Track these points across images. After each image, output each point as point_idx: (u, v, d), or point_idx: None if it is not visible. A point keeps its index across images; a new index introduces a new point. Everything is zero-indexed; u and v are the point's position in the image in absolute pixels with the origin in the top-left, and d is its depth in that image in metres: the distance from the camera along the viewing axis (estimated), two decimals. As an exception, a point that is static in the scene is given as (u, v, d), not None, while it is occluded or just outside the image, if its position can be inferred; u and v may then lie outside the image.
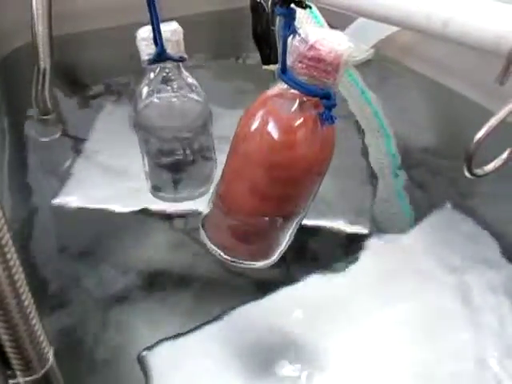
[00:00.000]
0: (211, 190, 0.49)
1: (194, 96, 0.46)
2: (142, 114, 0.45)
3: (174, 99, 0.45)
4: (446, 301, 0.43)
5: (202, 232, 0.37)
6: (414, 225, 0.51)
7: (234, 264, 0.36)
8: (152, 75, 0.44)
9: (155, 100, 0.45)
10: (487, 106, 0.63)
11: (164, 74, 0.44)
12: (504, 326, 0.41)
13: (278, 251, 0.36)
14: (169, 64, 0.44)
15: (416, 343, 0.40)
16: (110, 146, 0.62)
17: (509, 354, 0.39)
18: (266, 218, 0.33)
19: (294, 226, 0.35)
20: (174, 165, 0.48)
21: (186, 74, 0.45)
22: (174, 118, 0.46)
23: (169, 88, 0.45)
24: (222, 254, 0.36)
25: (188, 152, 0.47)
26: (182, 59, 0.44)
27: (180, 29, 0.43)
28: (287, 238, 0.36)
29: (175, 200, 0.50)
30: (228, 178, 0.35)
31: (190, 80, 0.45)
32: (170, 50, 0.42)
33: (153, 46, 0.42)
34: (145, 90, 0.45)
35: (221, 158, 0.36)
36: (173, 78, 0.44)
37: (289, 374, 0.38)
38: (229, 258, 0.36)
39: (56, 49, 0.66)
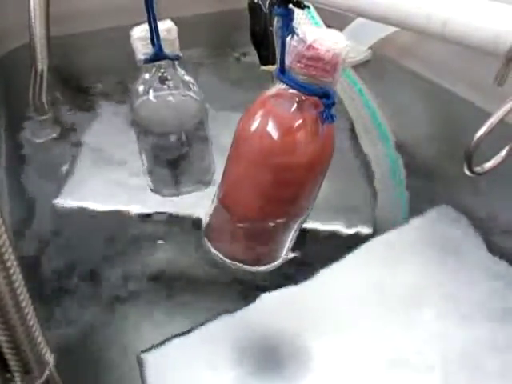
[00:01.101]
0: (211, 185, 0.49)
1: (190, 93, 0.45)
2: (138, 111, 0.45)
3: (170, 97, 0.45)
4: (444, 300, 0.43)
5: (204, 236, 0.37)
6: (412, 224, 0.51)
7: (238, 268, 0.35)
8: (147, 75, 0.44)
9: (151, 98, 0.45)
10: (485, 107, 0.63)
11: (160, 74, 0.44)
12: (502, 323, 0.41)
13: (282, 253, 0.36)
14: (164, 62, 0.43)
15: (415, 344, 0.40)
16: (109, 146, 0.62)
17: (508, 351, 0.39)
18: (271, 221, 0.33)
19: (297, 226, 0.35)
20: (172, 161, 0.48)
21: (181, 71, 0.45)
22: (171, 115, 0.46)
23: (165, 86, 0.44)
24: (224, 258, 0.35)
25: (186, 148, 0.47)
26: (177, 57, 0.44)
27: (175, 27, 0.43)
28: (290, 239, 0.35)
29: (175, 195, 0.50)
30: (230, 182, 0.34)
31: (186, 78, 0.45)
32: (166, 48, 0.42)
33: (149, 46, 0.42)
34: (140, 88, 0.45)
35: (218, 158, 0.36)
36: (169, 76, 0.44)
37: (286, 375, 0.37)
38: (232, 261, 0.35)
39: (53, 50, 0.66)
